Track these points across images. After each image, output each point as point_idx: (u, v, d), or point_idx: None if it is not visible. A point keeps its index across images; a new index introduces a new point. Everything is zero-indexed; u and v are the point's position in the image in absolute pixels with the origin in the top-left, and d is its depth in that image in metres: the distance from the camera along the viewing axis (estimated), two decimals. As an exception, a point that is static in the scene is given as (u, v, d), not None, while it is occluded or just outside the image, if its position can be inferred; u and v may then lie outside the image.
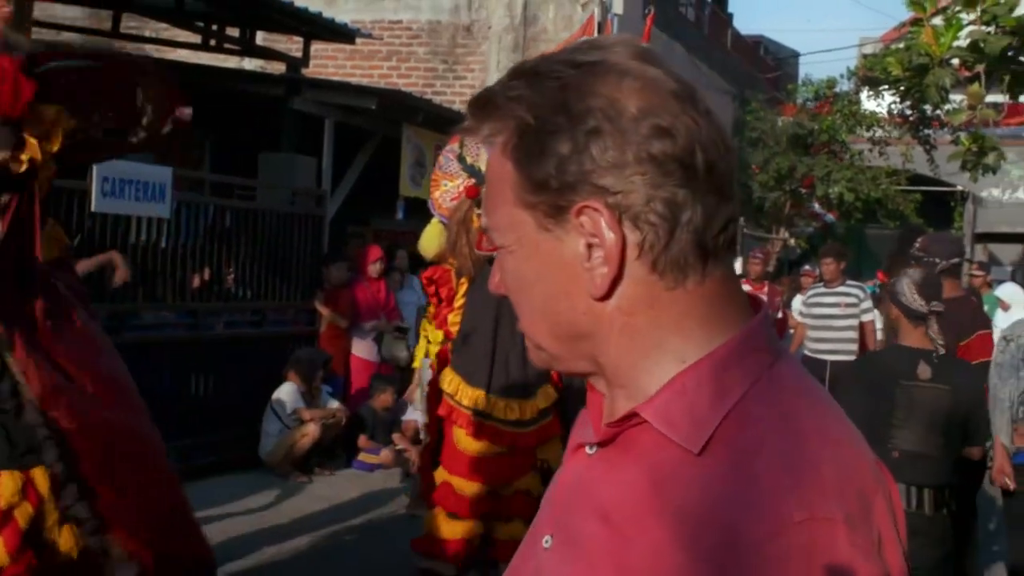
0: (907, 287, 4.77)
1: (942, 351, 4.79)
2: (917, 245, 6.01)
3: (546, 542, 1.15)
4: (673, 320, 1.10)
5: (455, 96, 14.53)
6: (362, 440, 9.60)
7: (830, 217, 19.95)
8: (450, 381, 5.41)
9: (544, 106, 1.07)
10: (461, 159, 5.91)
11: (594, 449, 1.15)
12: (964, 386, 4.80)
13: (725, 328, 1.11)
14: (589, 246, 1.08)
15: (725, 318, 1.11)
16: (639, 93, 1.06)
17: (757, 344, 1.11)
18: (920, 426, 4.67)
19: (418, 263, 11.77)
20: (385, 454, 9.43)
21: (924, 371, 4.71)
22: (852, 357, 9.06)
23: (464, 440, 5.34)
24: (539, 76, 1.09)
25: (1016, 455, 5.33)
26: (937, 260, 5.87)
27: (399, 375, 10.26)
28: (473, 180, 5.57)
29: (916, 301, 4.74)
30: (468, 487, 5.36)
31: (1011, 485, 5.33)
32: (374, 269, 10.42)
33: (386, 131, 11.08)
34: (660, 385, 1.09)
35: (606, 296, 1.09)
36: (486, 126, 1.12)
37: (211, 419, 8.96)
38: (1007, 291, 11.19)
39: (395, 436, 9.73)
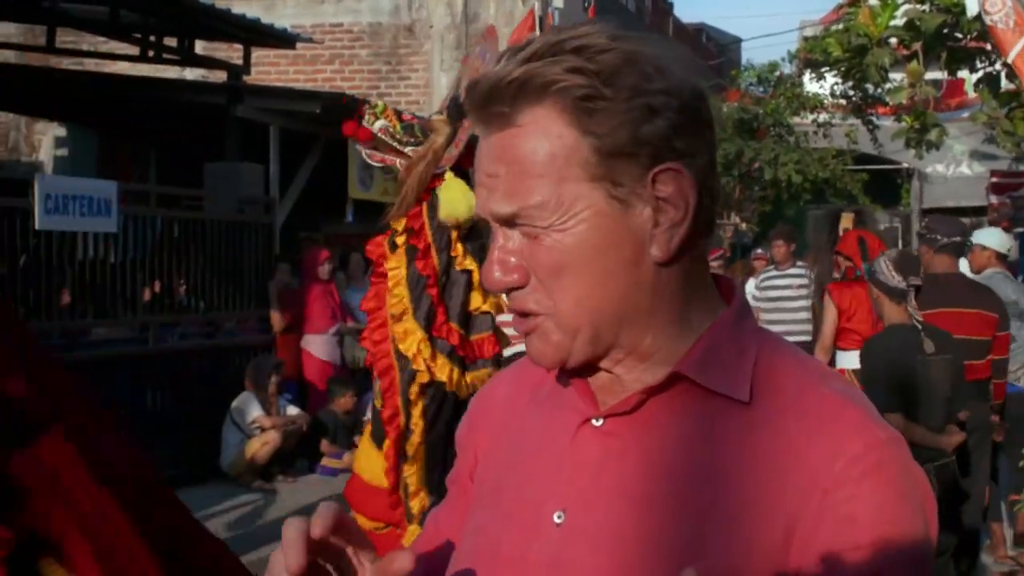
0: (884, 266, 4.96)
1: (920, 324, 4.93)
2: (924, 224, 6.36)
3: (558, 517, 1.15)
4: (697, 285, 1.18)
5: (400, 97, 14.50)
6: (324, 445, 9.57)
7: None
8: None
9: (609, 75, 1.08)
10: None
11: (601, 421, 1.17)
12: (958, 353, 5.03)
13: (715, 294, 1.21)
14: (656, 210, 1.11)
15: (711, 285, 1.21)
16: (679, 63, 1.12)
17: (747, 308, 1.22)
18: (937, 399, 4.82)
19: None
20: (348, 458, 9.39)
21: (929, 345, 4.84)
22: (807, 338, 9.14)
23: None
24: (586, 49, 1.09)
25: None
26: (938, 237, 6.19)
27: (355, 377, 10.26)
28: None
29: (895, 278, 4.89)
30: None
31: None
32: (324, 271, 10.39)
33: (332, 135, 11.05)
34: (686, 348, 1.15)
35: (671, 260, 1.13)
36: (531, 109, 1.09)
37: (170, 433, 8.90)
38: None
39: (357, 439, 9.70)
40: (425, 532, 1.40)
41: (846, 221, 7.58)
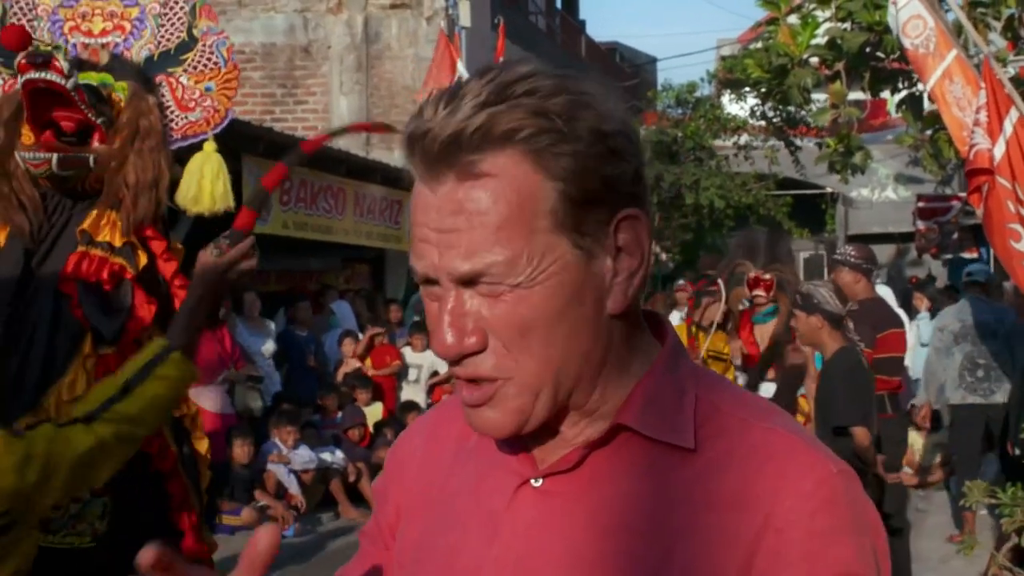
0: (828, 295, 5.38)
1: (860, 347, 5.62)
2: (843, 251, 6.92)
3: None
4: (636, 330, 1.19)
5: (297, 122, 14.36)
6: (226, 503, 9.39)
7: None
8: None
9: (568, 118, 1.07)
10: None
11: (541, 481, 1.16)
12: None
13: (648, 335, 1.21)
14: (615, 259, 1.12)
15: (645, 325, 1.21)
16: (616, 100, 1.13)
17: (680, 346, 1.23)
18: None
19: (270, 304, 11.58)
20: (247, 513, 9.24)
21: (865, 362, 5.54)
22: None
23: None
24: (536, 92, 1.07)
25: None
26: (862, 263, 6.72)
27: (251, 426, 10.11)
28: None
29: (837, 306, 5.37)
30: None
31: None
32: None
33: (227, 164, 10.95)
34: (623, 399, 1.16)
35: (623, 312, 1.13)
36: (494, 157, 1.07)
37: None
38: (881, 293, 11.66)
39: (256, 492, 9.58)
40: None
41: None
